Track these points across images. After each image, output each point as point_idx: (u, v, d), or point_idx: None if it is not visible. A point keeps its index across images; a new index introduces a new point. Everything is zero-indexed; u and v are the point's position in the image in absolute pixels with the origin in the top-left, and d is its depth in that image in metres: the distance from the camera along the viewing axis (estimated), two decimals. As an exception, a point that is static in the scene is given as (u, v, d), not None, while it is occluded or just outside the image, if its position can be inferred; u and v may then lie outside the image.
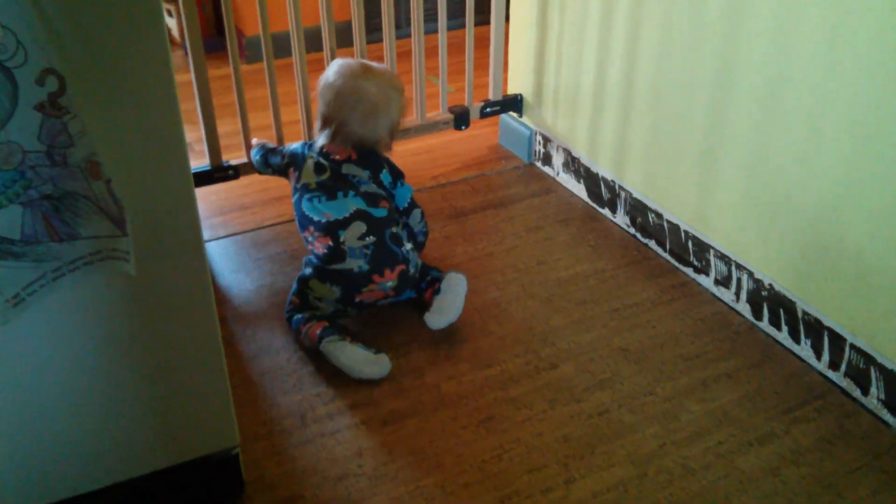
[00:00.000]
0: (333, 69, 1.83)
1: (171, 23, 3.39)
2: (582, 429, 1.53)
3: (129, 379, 1.19)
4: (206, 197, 2.32)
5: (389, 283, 1.72)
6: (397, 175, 1.82)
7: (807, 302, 1.65)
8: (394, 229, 1.75)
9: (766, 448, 1.49)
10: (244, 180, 2.42)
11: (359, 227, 1.71)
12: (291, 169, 1.83)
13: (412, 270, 1.77)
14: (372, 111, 1.76)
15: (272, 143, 2.06)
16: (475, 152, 2.53)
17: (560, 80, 2.26)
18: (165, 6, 3.26)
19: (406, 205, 1.83)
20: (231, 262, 2.03)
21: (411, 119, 2.40)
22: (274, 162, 1.93)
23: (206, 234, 2.11)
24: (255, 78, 3.19)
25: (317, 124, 1.85)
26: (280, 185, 2.37)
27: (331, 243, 1.71)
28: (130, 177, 1.04)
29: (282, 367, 1.68)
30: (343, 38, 3.42)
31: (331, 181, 1.75)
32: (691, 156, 1.85)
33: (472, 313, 1.82)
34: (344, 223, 1.71)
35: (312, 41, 3.39)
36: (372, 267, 1.70)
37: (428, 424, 1.54)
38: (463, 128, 2.48)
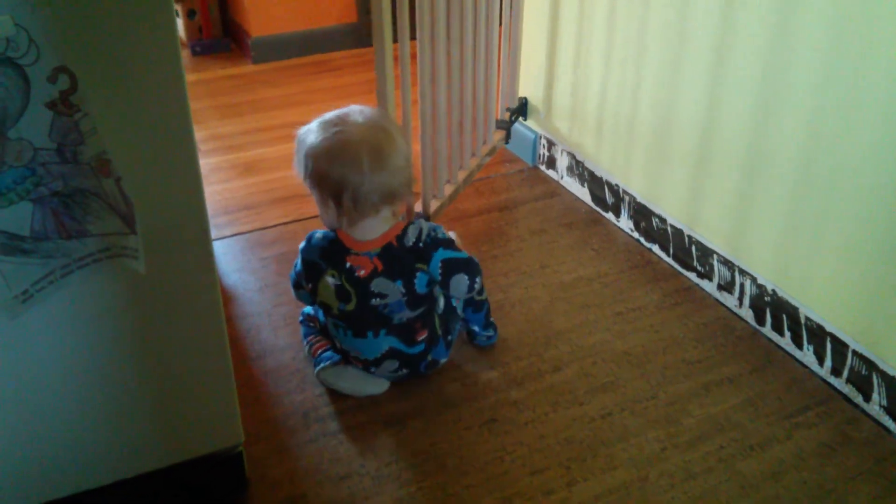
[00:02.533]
0: (307, 137, 1.46)
1: (178, 23, 3.40)
2: (584, 432, 1.53)
3: (135, 376, 1.20)
4: (211, 196, 2.33)
5: None
6: (430, 253, 1.51)
7: (809, 308, 1.65)
8: (429, 358, 1.60)
9: (767, 453, 1.49)
10: (249, 179, 2.43)
11: (391, 365, 1.58)
12: (310, 286, 1.56)
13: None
14: (377, 153, 1.42)
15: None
16: (480, 155, 2.54)
17: (565, 85, 2.26)
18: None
19: (439, 276, 1.52)
20: (236, 261, 2.04)
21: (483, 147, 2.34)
22: (303, 297, 1.64)
23: (211, 234, 2.11)
24: (262, 78, 3.21)
25: (323, 217, 1.52)
26: (286, 185, 2.38)
27: (362, 367, 1.60)
28: (140, 175, 1.05)
29: (286, 366, 1.69)
30: (343, 41, 3.44)
31: (357, 312, 1.51)
32: (694, 160, 1.86)
33: (475, 315, 1.82)
34: (375, 363, 1.58)
35: (308, 44, 3.41)
36: (397, 382, 1.63)
37: (431, 426, 1.55)
38: (508, 143, 2.49)
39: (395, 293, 1.50)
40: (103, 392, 1.19)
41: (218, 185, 2.40)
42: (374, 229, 1.50)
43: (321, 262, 1.52)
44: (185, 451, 1.30)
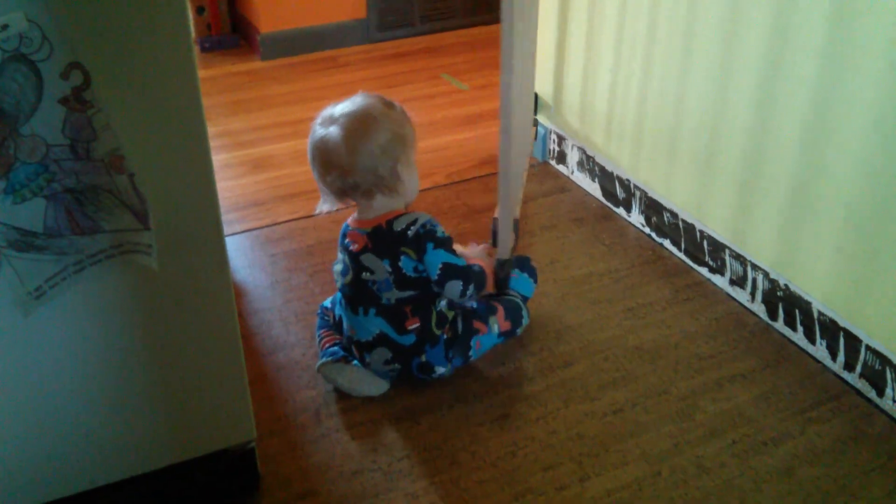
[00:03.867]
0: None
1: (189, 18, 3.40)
2: (596, 427, 1.53)
3: (148, 372, 1.20)
4: (220, 193, 2.30)
5: None
6: (422, 244, 1.52)
7: (822, 302, 1.65)
8: (423, 357, 1.58)
9: (780, 448, 1.48)
10: (258, 175, 2.43)
11: (383, 353, 1.58)
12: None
13: (449, 375, 1.63)
14: (323, 152, 1.51)
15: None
16: (489, 150, 2.53)
17: (575, 79, 2.26)
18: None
19: (436, 276, 1.53)
20: (246, 257, 2.04)
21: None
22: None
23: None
24: (271, 75, 3.21)
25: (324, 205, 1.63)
26: (294, 182, 2.38)
27: (358, 356, 1.62)
28: (153, 171, 1.05)
29: (297, 362, 1.69)
30: (352, 37, 3.44)
31: (352, 287, 1.57)
32: (705, 155, 1.85)
33: (486, 311, 1.82)
34: (368, 347, 1.59)
35: (317, 40, 3.42)
36: (396, 383, 1.62)
37: (443, 421, 1.55)
38: (536, 139, 2.50)
39: (381, 271, 1.54)
40: (116, 388, 1.19)
41: (227, 182, 2.40)
42: (371, 212, 1.56)
43: (340, 241, 1.61)
44: (198, 447, 1.30)
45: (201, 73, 3.46)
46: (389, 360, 1.58)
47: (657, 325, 1.78)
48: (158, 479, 1.29)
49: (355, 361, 1.62)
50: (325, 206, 1.59)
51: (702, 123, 1.84)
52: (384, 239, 1.53)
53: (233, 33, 3.51)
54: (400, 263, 1.53)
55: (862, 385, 1.60)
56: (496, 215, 1.81)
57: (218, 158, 2.54)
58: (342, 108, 1.52)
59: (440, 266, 1.53)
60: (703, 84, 1.81)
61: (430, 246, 1.52)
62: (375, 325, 1.56)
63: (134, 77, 0.99)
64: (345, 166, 1.49)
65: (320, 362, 1.62)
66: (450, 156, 2.53)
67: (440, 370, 1.60)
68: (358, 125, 1.49)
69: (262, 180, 2.41)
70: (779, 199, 1.69)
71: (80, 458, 1.22)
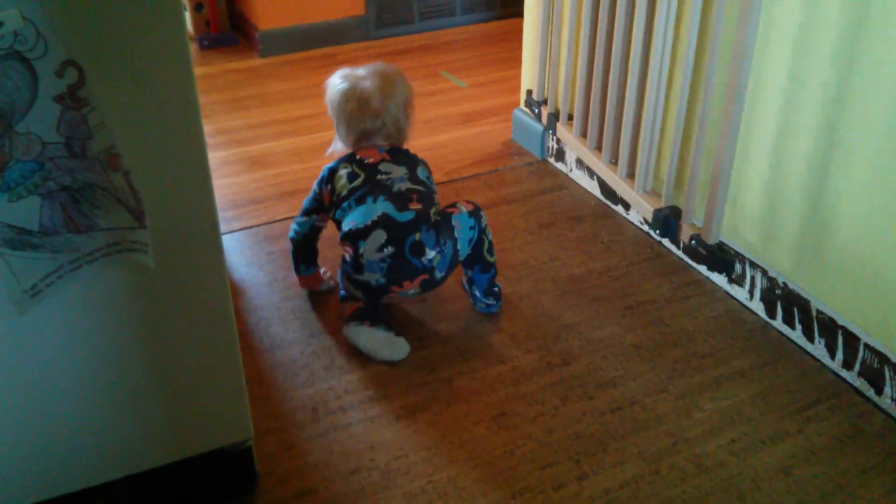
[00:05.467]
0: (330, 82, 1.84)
1: (185, 15, 3.40)
2: (594, 425, 1.53)
3: (144, 371, 1.20)
4: (219, 191, 2.32)
5: (411, 292, 1.69)
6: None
7: (821, 300, 1.64)
8: (417, 236, 1.64)
9: (778, 447, 1.48)
10: (257, 173, 2.43)
11: (379, 237, 1.63)
12: (328, 187, 1.77)
13: (440, 275, 1.69)
14: (360, 96, 1.76)
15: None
16: (488, 148, 2.53)
17: (567, 80, 2.25)
18: None
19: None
20: (244, 255, 2.04)
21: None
22: (311, 206, 1.83)
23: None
24: (270, 72, 3.21)
25: (338, 144, 1.87)
26: (294, 179, 2.38)
27: (352, 253, 1.67)
28: (149, 169, 1.04)
29: (295, 360, 1.69)
30: (350, 34, 3.44)
31: (364, 186, 1.71)
32: (702, 152, 1.85)
33: (484, 309, 1.82)
34: (365, 232, 1.64)
35: (315, 37, 3.41)
36: (389, 280, 1.66)
37: (440, 419, 1.54)
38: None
39: (398, 171, 1.74)
40: (112, 387, 1.19)
41: (226, 179, 2.40)
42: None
43: (338, 164, 1.78)
44: (195, 446, 1.30)
45: (200, 71, 3.44)
46: (383, 243, 1.63)
47: (655, 324, 1.78)
48: (155, 478, 1.29)
49: (381, 326, 1.70)
50: (337, 146, 1.85)
51: (698, 118, 1.83)
52: (403, 154, 1.79)
53: (231, 31, 3.51)
54: (417, 170, 1.77)
55: (860, 383, 1.59)
56: (658, 207, 1.92)
57: (216, 156, 2.53)
58: (369, 68, 1.81)
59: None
60: (689, 79, 1.81)
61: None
62: (380, 208, 1.67)
63: (129, 74, 0.99)
64: (379, 109, 1.76)
65: (346, 324, 1.72)
66: (448, 153, 2.52)
67: (431, 253, 1.65)
68: (387, 81, 1.79)
69: (261, 178, 2.41)
70: (781, 196, 1.69)
71: (76, 456, 1.21)
